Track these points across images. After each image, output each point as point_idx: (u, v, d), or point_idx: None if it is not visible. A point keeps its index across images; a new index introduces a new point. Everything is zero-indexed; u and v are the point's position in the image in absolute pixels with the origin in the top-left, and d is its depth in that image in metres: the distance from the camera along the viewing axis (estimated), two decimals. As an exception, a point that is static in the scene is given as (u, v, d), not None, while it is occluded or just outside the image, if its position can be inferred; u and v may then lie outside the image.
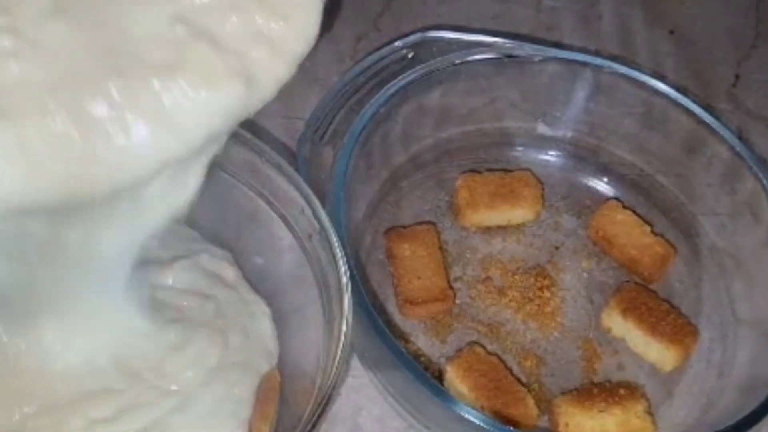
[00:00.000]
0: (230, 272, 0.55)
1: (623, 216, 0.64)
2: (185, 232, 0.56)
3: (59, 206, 0.35)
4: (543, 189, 0.66)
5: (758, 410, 0.48)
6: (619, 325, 0.59)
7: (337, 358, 0.44)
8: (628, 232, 0.63)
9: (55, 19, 0.35)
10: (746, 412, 0.48)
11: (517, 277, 0.63)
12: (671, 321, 0.57)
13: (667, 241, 0.63)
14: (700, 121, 0.62)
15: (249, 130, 0.52)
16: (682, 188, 0.66)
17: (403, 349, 0.49)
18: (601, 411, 0.52)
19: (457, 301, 0.61)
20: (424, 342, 0.59)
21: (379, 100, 0.59)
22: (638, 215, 0.64)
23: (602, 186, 0.69)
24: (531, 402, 0.53)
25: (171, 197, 0.41)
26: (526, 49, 0.65)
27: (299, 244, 0.53)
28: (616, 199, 0.66)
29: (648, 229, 0.63)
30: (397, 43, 0.64)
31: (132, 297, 0.47)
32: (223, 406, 0.48)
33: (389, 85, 0.61)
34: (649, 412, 0.53)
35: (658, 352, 0.57)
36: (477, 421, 0.46)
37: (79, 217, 0.39)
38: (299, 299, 0.53)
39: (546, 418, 0.55)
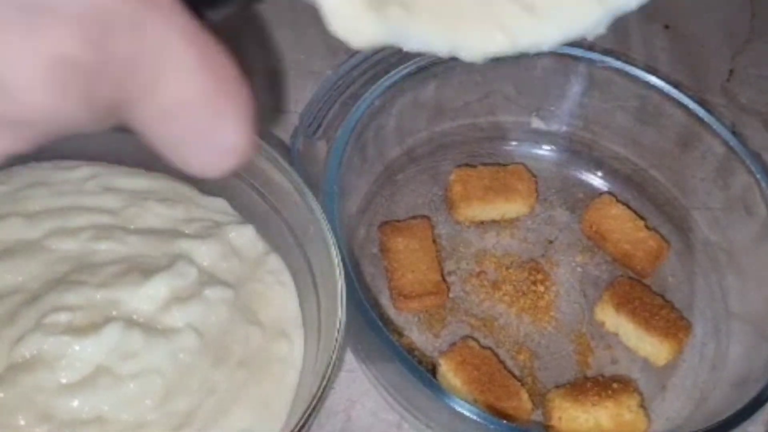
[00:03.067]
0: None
1: (617, 210, 0.64)
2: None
3: None
4: (537, 183, 0.66)
5: (751, 404, 0.48)
6: (612, 319, 0.59)
7: (331, 351, 0.44)
8: (622, 226, 0.63)
9: None
10: (739, 406, 0.48)
11: (510, 271, 0.63)
12: (664, 315, 0.58)
13: (661, 235, 0.63)
14: (694, 116, 0.62)
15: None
16: (676, 182, 0.66)
17: (397, 343, 0.49)
18: (594, 405, 0.52)
19: (451, 295, 0.61)
20: (417, 336, 0.59)
21: (373, 93, 0.59)
22: (632, 209, 0.64)
23: (596, 180, 0.69)
24: (525, 396, 0.53)
25: None
26: (520, 43, 0.65)
27: (293, 238, 0.52)
28: (610, 193, 0.66)
29: (642, 223, 0.63)
30: (392, 37, 0.64)
31: None
32: None
33: (384, 78, 0.60)
34: (642, 406, 0.53)
35: (651, 346, 0.57)
36: (470, 415, 0.46)
37: None
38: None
39: (539, 411, 0.55)
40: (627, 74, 0.64)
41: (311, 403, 0.42)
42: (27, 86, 0.22)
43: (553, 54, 0.65)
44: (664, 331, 0.57)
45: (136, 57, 0.24)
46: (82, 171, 0.55)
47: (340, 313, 0.46)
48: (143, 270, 0.50)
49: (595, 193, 0.67)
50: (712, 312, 0.60)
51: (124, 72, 0.24)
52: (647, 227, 0.63)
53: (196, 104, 0.25)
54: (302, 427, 0.42)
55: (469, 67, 0.65)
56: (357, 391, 0.55)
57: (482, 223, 0.65)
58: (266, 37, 0.76)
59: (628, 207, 0.65)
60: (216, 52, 0.25)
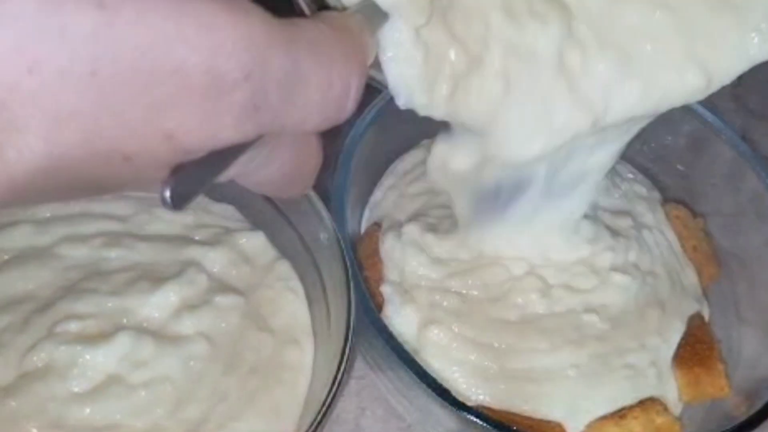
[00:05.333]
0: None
1: (691, 224, 0.63)
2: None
3: None
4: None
5: (763, 410, 0.48)
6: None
7: (340, 358, 0.44)
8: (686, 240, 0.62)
9: None
10: (751, 412, 0.48)
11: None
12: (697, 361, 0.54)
13: (717, 264, 0.62)
14: (704, 121, 0.62)
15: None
16: (686, 188, 0.65)
17: (407, 350, 0.49)
18: (622, 417, 0.51)
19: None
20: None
21: (383, 99, 0.59)
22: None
23: (606, 186, 0.68)
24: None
25: None
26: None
27: (302, 245, 0.53)
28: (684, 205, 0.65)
29: (704, 244, 0.62)
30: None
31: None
32: None
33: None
34: (667, 409, 0.52)
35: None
36: (481, 422, 0.46)
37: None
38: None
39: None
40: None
41: (320, 410, 0.42)
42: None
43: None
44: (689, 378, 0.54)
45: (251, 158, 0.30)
46: None
47: (350, 320, 0.46)
48: (153, 277, 0.50)
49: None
50: (723, 318, 0.60)
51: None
52: (702, 251, 0.62)
53: (279, 182, 0.31)
54: (312, 433, 0.42)
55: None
56: (367, 398, 0.55)
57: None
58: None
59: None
60: (308, 150, 0.33)
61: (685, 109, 0.62)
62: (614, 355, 0.53)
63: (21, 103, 0.22)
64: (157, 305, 0.48)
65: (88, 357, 0.45)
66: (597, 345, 0.52)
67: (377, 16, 0.35)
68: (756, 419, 0.48)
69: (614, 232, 0.58)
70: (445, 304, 0.53)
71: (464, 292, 0.54)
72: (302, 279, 0.53)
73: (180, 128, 0.25)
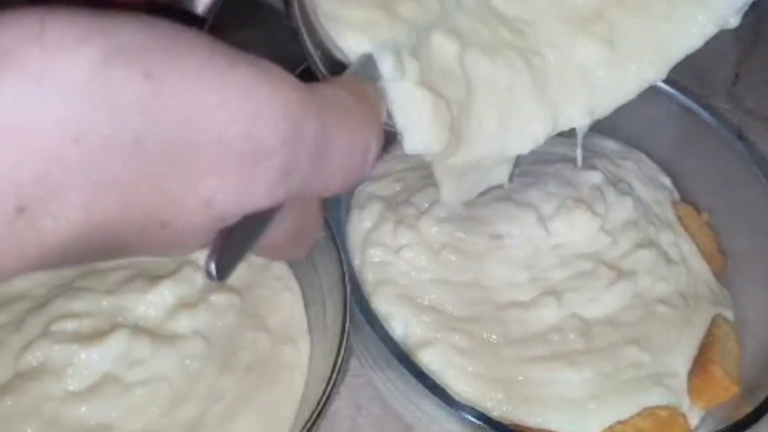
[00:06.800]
0: None
1: (695, 221, 0.63)
2: None
3: None
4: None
5: (759, 409, 0.48)
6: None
7: (336, 356, 0.44)
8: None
9: None
10: (748, 410, 0.48)
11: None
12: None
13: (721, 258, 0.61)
14: (700, 121, 0.62)
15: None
16: (682, 188, 0.65)
17: (403, 348, 0.49)
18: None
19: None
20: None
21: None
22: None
23: (602, 185, 0.68)
24: None
25: None
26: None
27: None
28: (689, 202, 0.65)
29: (708, 241, 0.62)
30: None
31: None
32: None
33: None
34: (669, 404, 0.52)
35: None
36: (477, 421, 0.46)
37: None
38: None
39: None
40: (632, 79, 0.64)
41: (316, 408, 0.42)
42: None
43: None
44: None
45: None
46: None
47: (346, 318, 0.45)
48: (149, 276, 0.50)
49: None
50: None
51: None
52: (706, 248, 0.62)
53: (282, 244, 0.32)
54: (308, 432, 0.41)
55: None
56: (363, 397, 0.55)
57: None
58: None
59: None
60: (310, 211, 0.33)
61: (682, 109, 0.62)
62: (647, 379, 0.52)
63: (63, 173, 0.22)
64: (152, 304, 0.48)
65: (83, 356, 0.45)
66: (632, 372, 0.51)
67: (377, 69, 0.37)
68: (753, 417, 0.48)
69: (668, 259, 0.57)
70: (439, 335, 0.51)
71: (477, 333, 0.52)
72: (298, 278, 0.53)
73: (217, 195, 0.25)
